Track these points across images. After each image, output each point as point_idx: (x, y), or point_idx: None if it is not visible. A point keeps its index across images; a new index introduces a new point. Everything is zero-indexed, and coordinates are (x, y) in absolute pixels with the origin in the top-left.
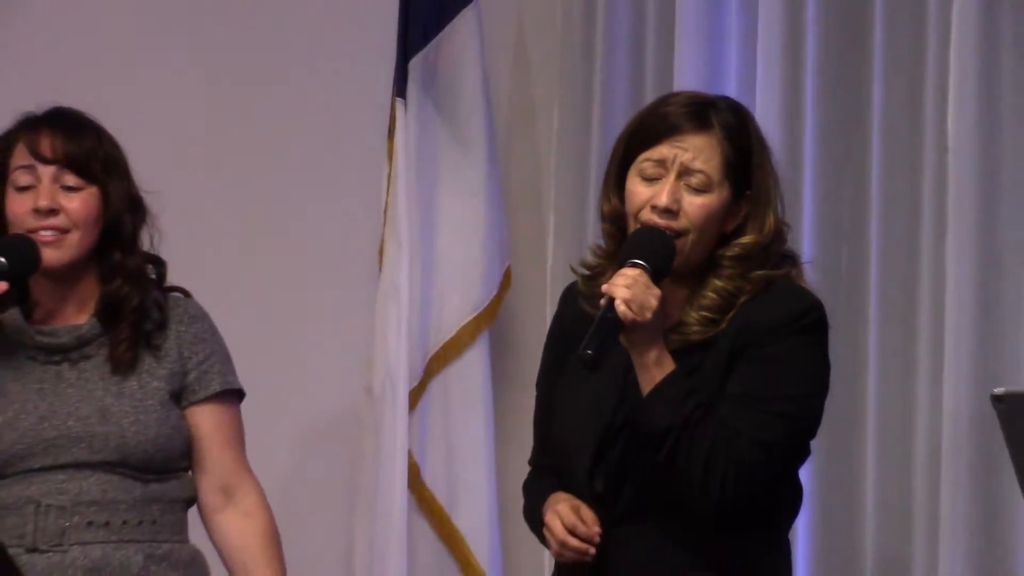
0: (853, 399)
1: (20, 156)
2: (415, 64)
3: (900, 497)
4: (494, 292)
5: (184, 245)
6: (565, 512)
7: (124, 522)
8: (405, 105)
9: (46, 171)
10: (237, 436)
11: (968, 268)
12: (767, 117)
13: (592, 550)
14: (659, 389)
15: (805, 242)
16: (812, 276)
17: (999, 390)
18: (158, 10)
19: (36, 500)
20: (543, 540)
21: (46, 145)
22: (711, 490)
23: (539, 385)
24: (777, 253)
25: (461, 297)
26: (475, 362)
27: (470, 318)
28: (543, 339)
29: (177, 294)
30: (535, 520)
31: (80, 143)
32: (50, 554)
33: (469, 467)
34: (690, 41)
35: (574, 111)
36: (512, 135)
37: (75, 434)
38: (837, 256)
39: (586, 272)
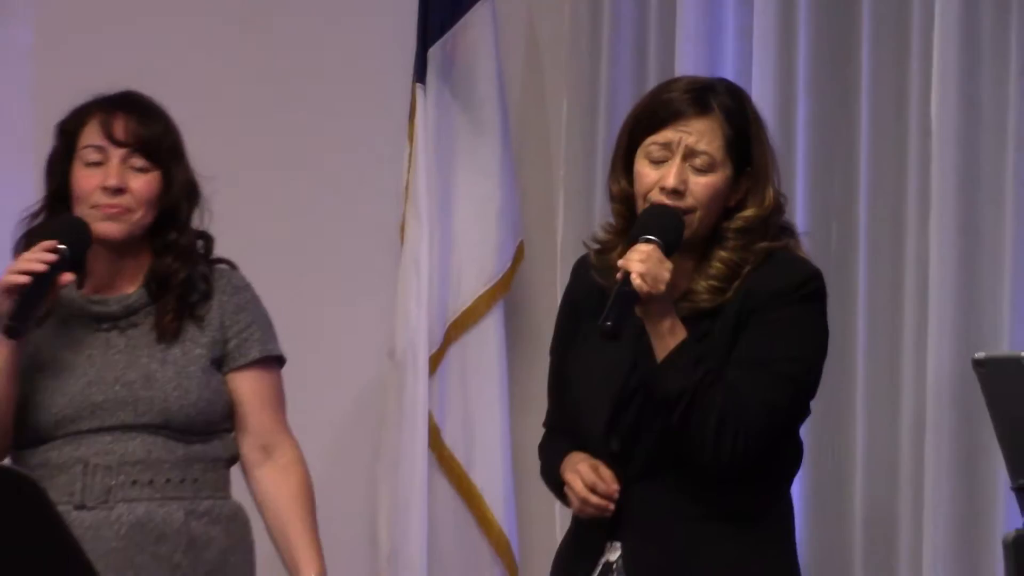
0: (843, 365)
1: (93, 135)
2: (434, 52)
3: (888, 454)
4: (507, 265)
5: (221, 222)
6: (585, 471)
7: (167, 480)
8: (424, 91)
9: (117, 152)
10: (276, 399)
11: (949, 243)
12: (762, 106)
13: (612, 506)
14: (672, 356)
15: (798, 220)
16: (808, 248)
17: (979, 355)
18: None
19: (84, 460)
20: (561, 498)
21: (120, 128)
22: (722, 450)
23: (553, 352)
24: (776, 225)
25: (477, 269)
26: (490, 329)
27: (485, 289)
28: (553, 308)
29: (223, 266)
30: (553, 479)
31: (151, 129)
32: (97, 511)
33: (485, 427)
34: (690, 34)
35: (581, 98)
36: (524, 119)
37: (121, 398)
38: (827, 232)
39: (597, 247)
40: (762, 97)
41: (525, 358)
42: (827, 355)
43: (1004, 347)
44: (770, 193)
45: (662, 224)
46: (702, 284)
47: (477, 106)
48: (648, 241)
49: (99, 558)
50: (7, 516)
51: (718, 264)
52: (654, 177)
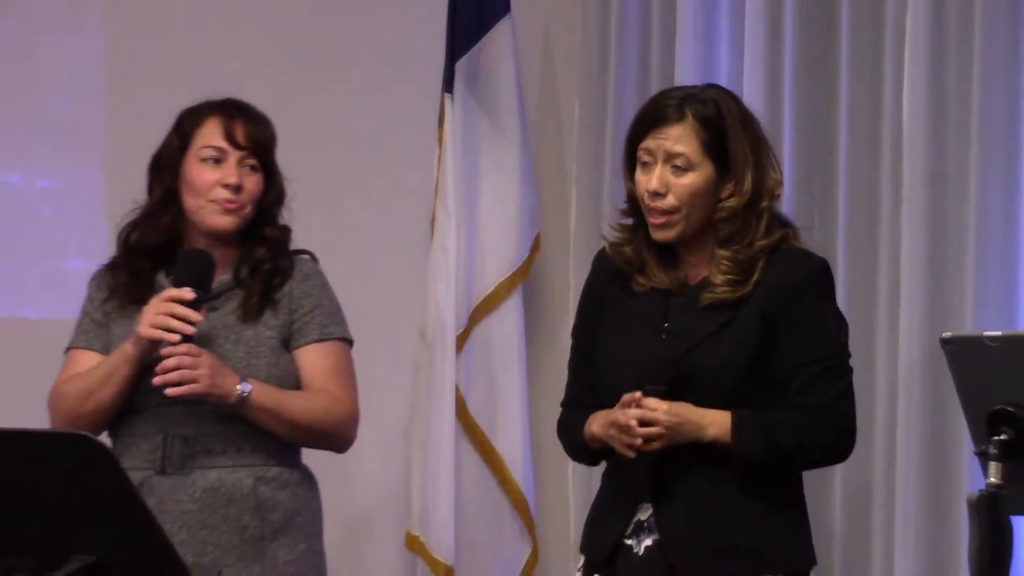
0: None
1: (212, 135)
2: (460, 65)
3: (864, 423)
4: (526, 254)
5: None
6: (613, 411)
7: (238, 450)
8: (452, 100)
9: (236, 154)
10: (335, 373)
11: (919, 233)
12: (752, 108)
13: (657, 430)
14: (741, 444)
15: (784, 211)
16: (810, 238)
17: (946, 334)
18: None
19: (165, 431)
20: (587, 460)
21: (240, 133)
22: (843, 455)
23: (575, 335)
24: (766, 209)
25: (498, 258)
26: (511, 312)
27: (506, 275)
28: (566, 292)
29: (304, 256)
30: (577, 444)
31: (263, 135)
32: (175, 476)
33: (506, 399)
34: (687, 45)
35: (591, 104)
36: (540, 124)
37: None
38: (810, 223)
39: (614, 240)
40: (752, 103)
41: (542, 337)
42: None
43: (968, 327)
44: (748, 181)
45: (665, 370)
46: (719, 279)
47: (499, 113)
48: (655, 393)
49: (176, 518)
50: (82, 478)
51: (725, 263)
52: (643, 182)
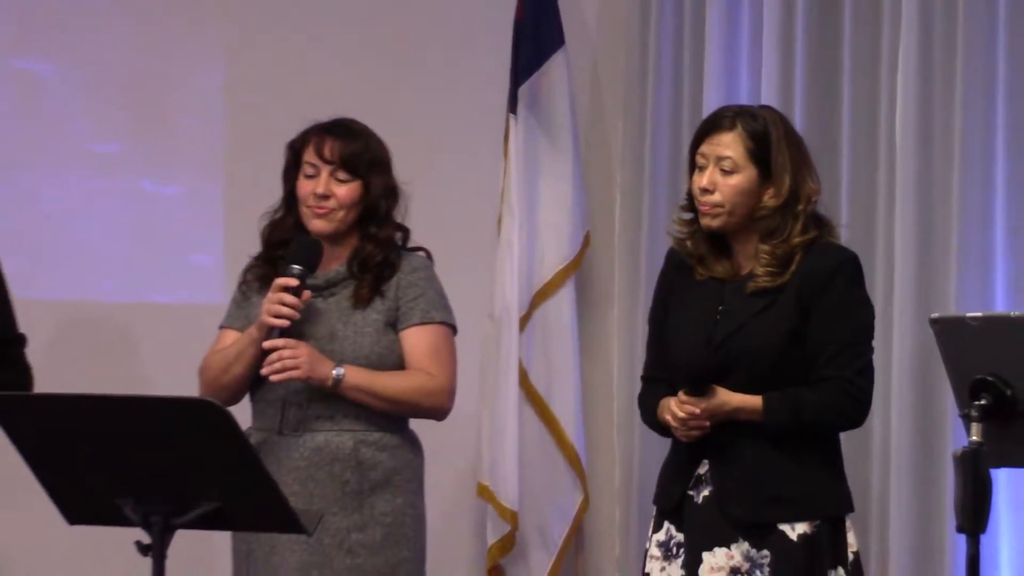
0: None
1: (310, 153)
2: (523, 90)
3: None
4: (578, 249)
5: None
6: (674, 404)
7: (344, 416)
8: (515, 119)
9: (325, 168)
10: (432, 352)
11: (909, 230)
12: None
13: (706, 423)
14: (770, 418)
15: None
16: (847, 235)
17: (934, 315)
18: (350, 46)
19: (283, 398)
20: (661, 433)
21: (327, 149)
22: (849, 421)
23: (652, 320)
24: (803, 212)
25: (555, 252)
26: (565, 297)
27: (561, 267)
28: (612, 281)
29: (420, 253)
30: (652, 420)
31: (352, 149)
32: (290, 437)
33: (561, 370)
34: (713, 74)
35: (633, 121)
36: (590, 138)
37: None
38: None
39: (679, 235)
40: None
41: (591, 318)
42: None
43: (952, 310)
44: (786, 185)
45: (696, 371)
46: (761, 270)
47: (554, 129)
48: (688, 394)
49: (290, 472)
50: (208, 437)
51: (765, 256)
52: (697, 180)
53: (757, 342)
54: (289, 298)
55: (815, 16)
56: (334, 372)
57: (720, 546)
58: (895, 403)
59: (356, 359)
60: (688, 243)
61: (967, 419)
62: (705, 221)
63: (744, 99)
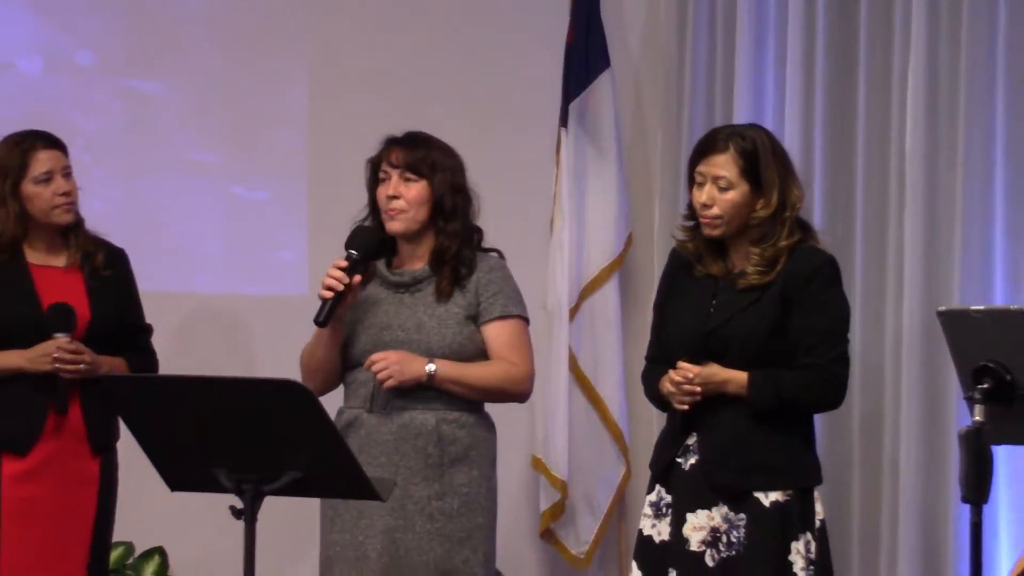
0: None
1: (384, 163)
2: (573, 106)
3: (876, 374)
4: (621, 248)
5: None
6: (669, 375)
7: (427, 398)
8: (566, 132)
9: (394, 172)
10: (512, 343)
11: (918, 233)
12: (791, 139)
13: (696, 389)
14: (754, 394)
15: (816, 217)
16: (827, 240)
17: (941, 308)
18: (421, 67)
19: (373, 380)
20: (661, 408)
21: (394, 156)
22: (835, 401)
23: (655, 307)
24: (789, 219)
25: (601, 251)
26: (610, 291)
27: (606, 264)
28: (652, 277)
29: (493, 254)
30: (654, 395)
31: (415, 155)
32: (379, 415)
33: (607, 356)
34: (743, 93)
35: (671, 135)
36: (632, 149)
37: (400, 339)
38: (835, 225)
39: (682, 238)
40: (792, 134)
41: (633, 310)
42: None
43: (956, 302)
44: (775, 197)
45: (694, 341)
46: (751, 269)
47: (601, 141)
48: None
49: (379, 446)
50: (292, 414)
51: (755, 257)
52: (697, 196)
53: (745, 331)
54: (336, 272)
55: (833, 42)
56: (426, 368)
57: (702, 508)
58: (905, 387)
59: (440, 347)
60: (689, 245)
61: (971, 401)
62: (707, 231)
63: (770, 115)
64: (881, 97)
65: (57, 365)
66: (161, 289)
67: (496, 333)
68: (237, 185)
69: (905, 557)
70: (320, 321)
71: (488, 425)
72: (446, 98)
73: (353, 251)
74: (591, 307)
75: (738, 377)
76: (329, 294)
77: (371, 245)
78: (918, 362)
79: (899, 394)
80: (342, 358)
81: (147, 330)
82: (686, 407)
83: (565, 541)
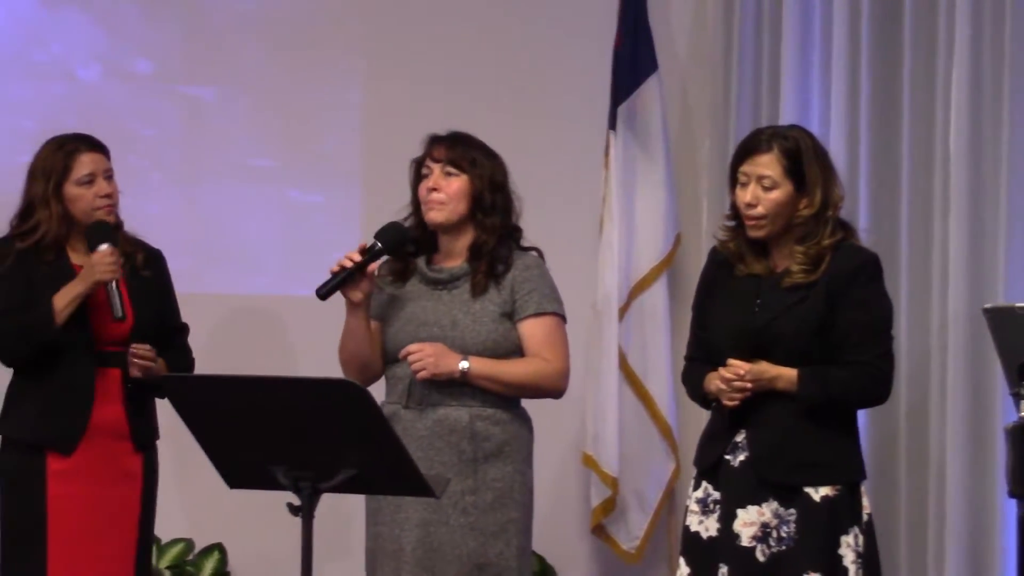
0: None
1: (427, 159)
2: (621, 109)
3: (921, 371)
4: (670, 248)
5: None
6: (720, 372)
7: (462, 394)
8: (615, 135)
9: (436, 166)
10: (547, 340)
11: (962, 232)
12: (837, 142)
13: (748, 386)
14: (803, 390)
15: (861, 218)
16: (866, 238)
17: (987, 305)
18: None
19: (410, 376)
20: (704, 405)
21: (436, 152)
22: (882, 397)
23: (695, 306)
24: (832, 218)
25: (649, 251)
26: (659, 291)
27: (655, 264)
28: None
29: (531, 252)
30: (698, 394)
31: (455, 150)
32: (415, 410)
33: (655, 354)
34: (789, 95)
35: (718, 136)
36: (680, 151)
37: (435, 336)
38: (880, 225)
39: (723, 238)
40: (837, 136)
41: (681, 309)
42: None
43: (1001, 300)
44: (818, 196)
45: (744, 337)
46: (796, 267)
47: (649, 143)
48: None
49: (414, 441)
50: (348, 412)
51: (799, 256)
52: (740, 196)
53: (792, 329)
54: (354, 255)
55: (878, 44)
56: (460, 365)
57: (753, 504)
58: (951, 383)
59: (475, 344)
60: (731, 244)
61: (1017, 397)
62: (751, 232)
63: (816, 117)
64: (925, 98)
65: (111, 275)
66: (217, 291)
67: (531, 330)
68: (292, 188)
69: (952, 552)
70: (321, 293)
71: (524, 421)
72: (497, 102)
73: (377, 241)
74: (640, 306)
75: (787, 374)
76: (335, 268)
77: (396, 240)
78: (963, 359)
79: (944, 390)
80: (381, 353)
81: (184, 330)
82: (736, 403)
83: (616, 536)
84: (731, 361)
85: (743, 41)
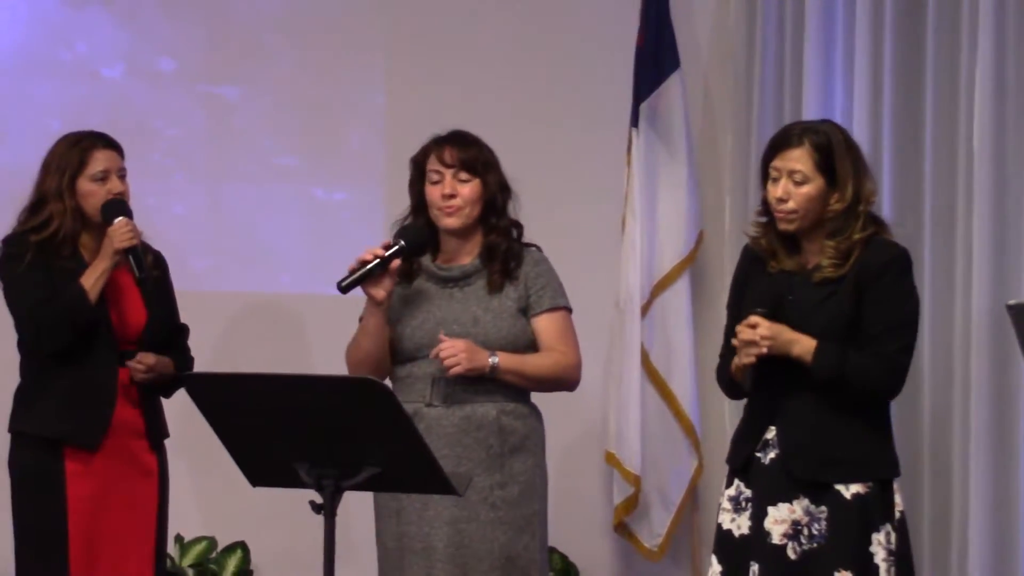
0: None
1: (434, 162)
2: (643, 107)
3: (945, 369)
4: (692, 246)
5: None
6: (739, 327)
7: (486, 389)
8: (637, 132)
9: (448, 171)
10: (561, 334)
11: (986, 227)
12: (860, 137)
13: (765, 346)
14: (816, 359)
15: (885, 211)
16: (900, 233)
17: (1011, 301)
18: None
19: (431, 374)
20: (735, 395)
21: (448, 156)
22: (893, 388)
23: (729, 304)
24: (863, 213)
25: (672, 249)
26: (681, 289)
27: (678, 261)
28: (723, 274)
29: (533, 248)
30: (728, 383)
31: (467, 153)
32: (439, 408)
33: (678, 352)
34: (811, 91)
35: (740, 134)
36: (702, 149)
37: (456, 334)
38: (903, 221)
39: (754, 235)
40: (860, 133)
41: (704, 307)
42: None
43: None
44: (849, 190)
45: (768, 294)
46: (826, 262)
47: (671, 141)
48: (759, 313)
49: (441, 438)
50: (370, 411)
51: (830, 250)
52: (772, 191)
53: (821, 325)
54: (378, 250)
55: (901, 41)
56: (490, 360)
57: (783, 501)
58: (974, 381)
59: (497, 339)
60: (762, 241)
61: None
62: (782, 226)
63: (838, 114)
64: (949, 95)
65: (129, 242)
66: (241, 289)
67: (546, 325)
68: (316, 187)
69: (976, 551)
70: (343, 286)
71: (538, 415)
72: (519, 100)
73: (401, 240)
74: (663, 304)
75: (806, 341)
76: (354, 265)
77: (419, 240)
78: (987, 356)
79: (968, 388)
80: (392, 353)
81: (184, 331)
82: (752, 360)
83: (639, 534)
84: (751, 316)
85: (766, 38)
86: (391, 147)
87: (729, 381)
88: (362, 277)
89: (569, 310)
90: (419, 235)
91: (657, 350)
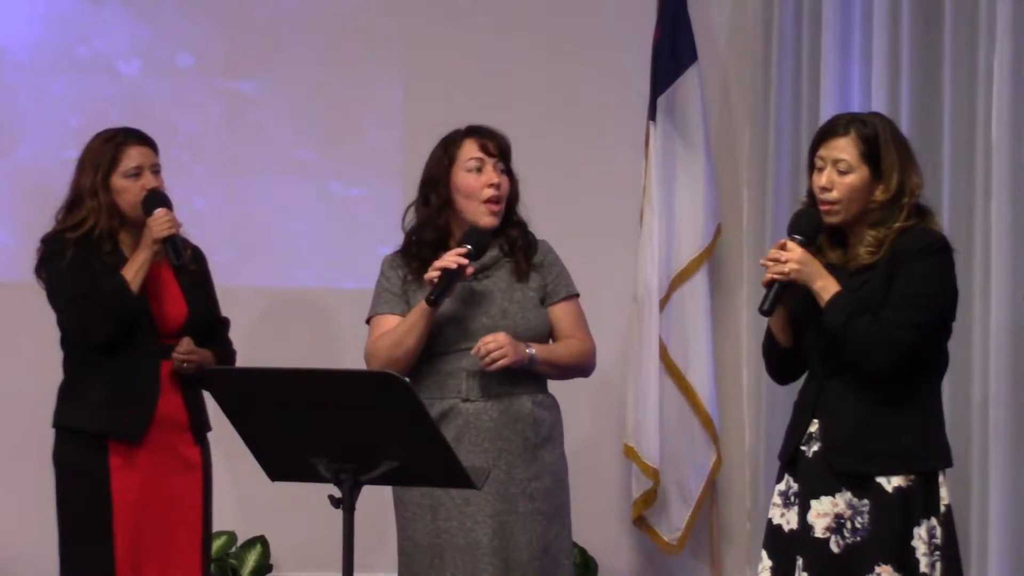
0: None
1: (471, 150)
2: (661, 100)
3: (964, 366)
4: (710, 239)
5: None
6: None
7: (518, 381)
8: (655, 126)
9: (491, 160)
10: (577, 321)
11: (1004, 224)
12: None
13: (791, 267)
14: (831, 301)
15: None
16: (945, 226)
17: None
18: (509, 65)
19: (466, 369)
20: (780, 374)
21: (492, 146)
22: (875, 357)
23: None
24: (908, 205)
25: (690, 242)
26: (699, 282)
27: (696, 255)
28: (740, 267)
29: (541, 240)
30: (772, 354)
31: (506, 142)
32: (476, 402)
33: (696, 345)
34: (829, 84)
35: (758, 127)
36: (720, 142)
37: (486, 327)
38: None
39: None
40: None
41: (722, 300)
42: None
43: None
44: (894, 182)
45: (806, 224)
46: (862, 250)
47: (689, 134)
48: (794, 239)
49: (480, 432)
50: (389, 405)
51: (869, 237)
52: (816, 180)
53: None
54: (452, 256)
55: (918, 36)
56: (528, 352)
57: (826, 495)
58: (992, 370)
59: (526, 330)
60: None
61: None
62: (826, 218)
63: (856, 108)
64: (967, 87)
65: (169, 231)
66: (260, 284)
67: (564, 313)
68: (334, 181)
69: (995, 550)
70: (433, 299)
71: (557, 405)
72: (537, 93)
73: (469, 245)
74: (681, 297)
75: (830, 284)
76: (436, 274)
77: (483, 244)
78: (1004, 346)
79: (986, 378)
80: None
81: (226, 323)
82: (773, 278)
83: (657, 527)
84: (787, 241)
85: (783, 31)
86: (408, 141)
87: (775, 354)
88: (448, 285)
89: (578, 295)
90: (483, 239)
91: (675, 343)
